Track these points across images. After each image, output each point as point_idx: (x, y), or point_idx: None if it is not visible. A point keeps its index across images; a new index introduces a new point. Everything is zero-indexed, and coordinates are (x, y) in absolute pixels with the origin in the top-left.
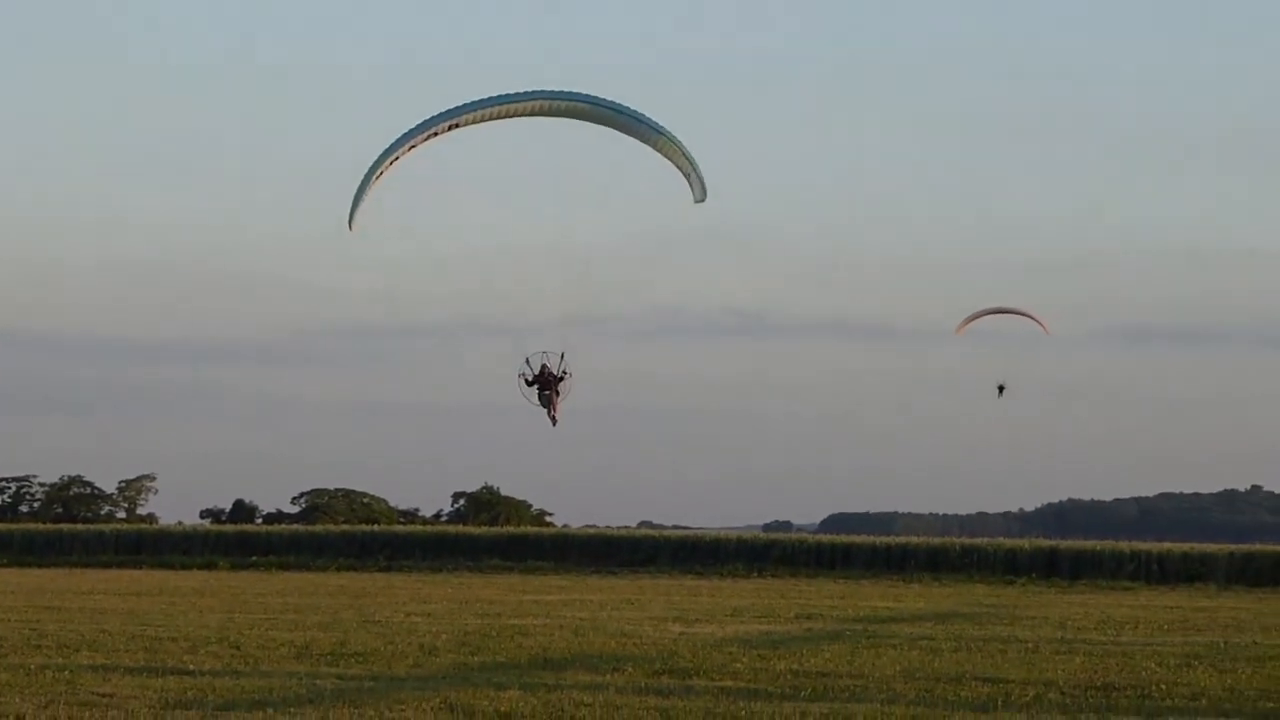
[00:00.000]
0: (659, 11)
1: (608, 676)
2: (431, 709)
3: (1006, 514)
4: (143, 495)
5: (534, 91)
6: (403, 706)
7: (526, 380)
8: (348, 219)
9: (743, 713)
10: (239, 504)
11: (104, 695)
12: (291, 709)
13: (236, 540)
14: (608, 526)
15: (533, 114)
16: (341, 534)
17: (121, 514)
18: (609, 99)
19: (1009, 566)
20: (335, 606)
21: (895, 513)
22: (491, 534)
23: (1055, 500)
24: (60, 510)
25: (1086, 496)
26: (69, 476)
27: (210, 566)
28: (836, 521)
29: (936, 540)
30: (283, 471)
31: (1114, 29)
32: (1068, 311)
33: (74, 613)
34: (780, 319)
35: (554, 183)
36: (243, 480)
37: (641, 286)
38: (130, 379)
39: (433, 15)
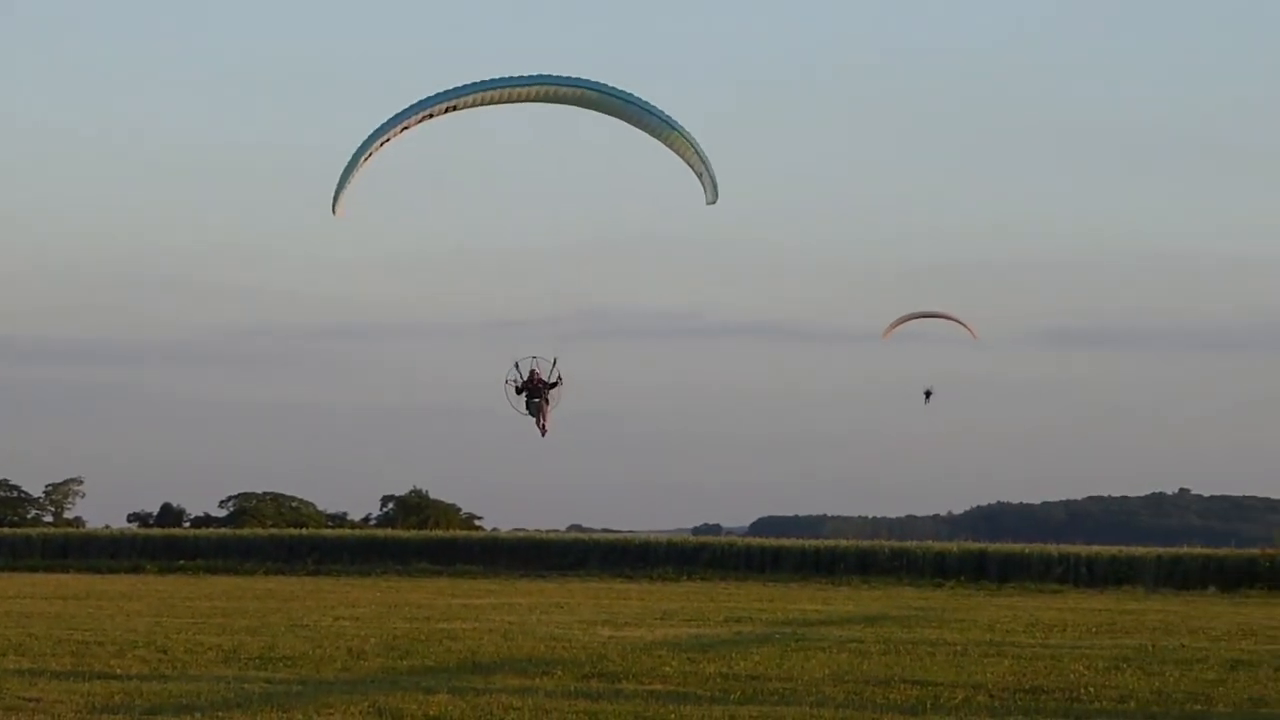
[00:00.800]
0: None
1: (537, 680)
2: (360, 713)
3: (935, 517)
4: (69, 499)
5: (539, 76)
6: (331, 710)
7: (515, 387)
8: (332, 202)
9: (672, 716)
10: (166, 508)
11: (30, 700)
12: (219, 713)
13: (164, 544)
14: (537, 530)
15: (536, 99)
16: (269, 538)
17: (48, 518)
18: (620, 88)
19: (938, 569)
20: (263, 610)
21: (824, 516)
22: (420, 538)
23: (984, 503)
24: None
25: (1015, 500)
26: None
27: (137, 570)
28: (766, 524)
29: (865, 543)
30: (210, 475)
31: (1044, 34)
32: (997, 315)
33: (0, 618)
34: (710, 322)
35: (482, 184)
36: (170, 484)
37: (572, 288)
38: (57, 381)
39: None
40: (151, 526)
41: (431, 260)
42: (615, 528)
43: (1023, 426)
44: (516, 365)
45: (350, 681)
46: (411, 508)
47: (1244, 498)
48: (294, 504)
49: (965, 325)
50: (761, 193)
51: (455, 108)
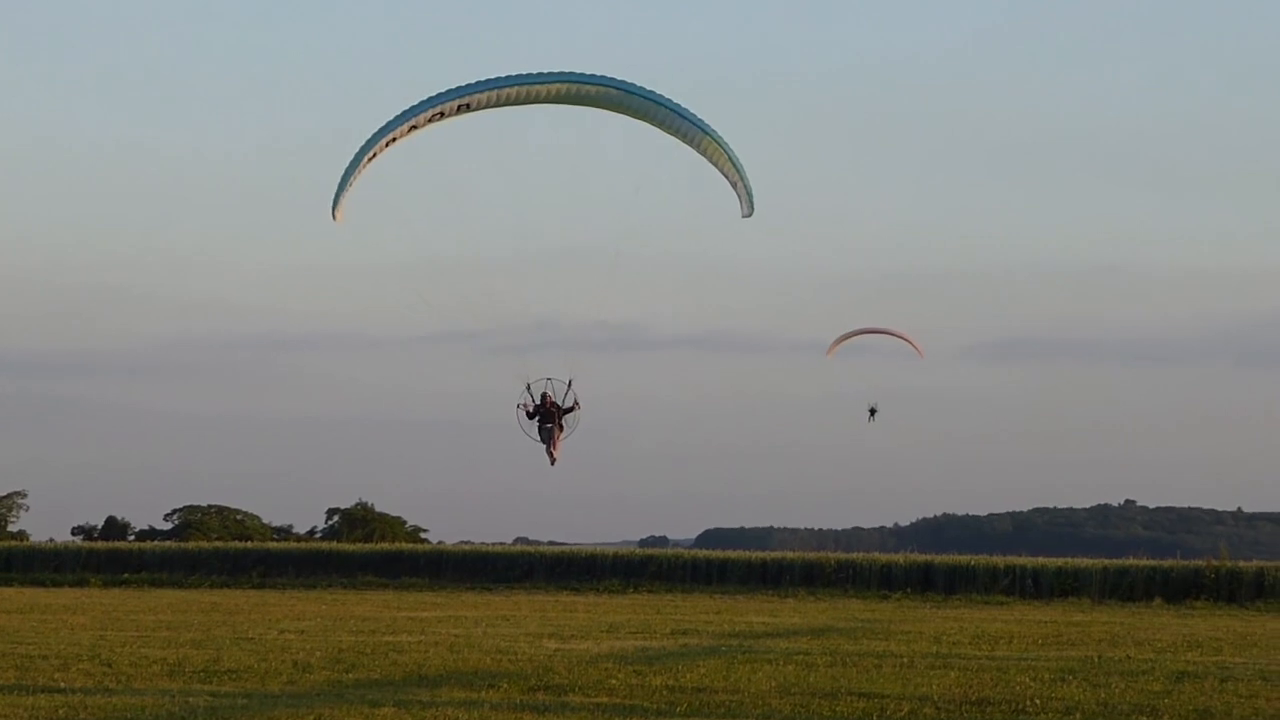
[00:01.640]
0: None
1: (483, 693)
2: None
3: (882, 529)
4: (13, 512)
5: (560, 74)
6: None
7: (526, 411)
8: (331, 206)
9: None
10: (111, 521)
11: None
12: None
13: (108, 557)
14: (483, 543)
15: (555, 99)
16: (214, 551)
17: None
18: (648, 88)
19: (884, 582)
20: (208, 624)
21: (771, 528)
22: (366, 550)
23: (930, 515)
24: None
25: (961, 512)
26: None
27: (82, 584)
28: (712, 537)
29: (812, 555)
30: (155, 488)
31: (982, 53)
32: (944, 328)
33: None
34: (658, 335)
35: (423, 195)
36: (115, 497)
37: (513, 299)
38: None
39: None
40: (96, 540)
41: (378, 272)
42: (561, 540)
43: (968, 439)
44: (528, 388)
45: (296, 695)
46: (357, 520)
47: (1189, 509)
48: (239, 517)
49: (911, 342)
50: (707, 207)
51: (469, 106)
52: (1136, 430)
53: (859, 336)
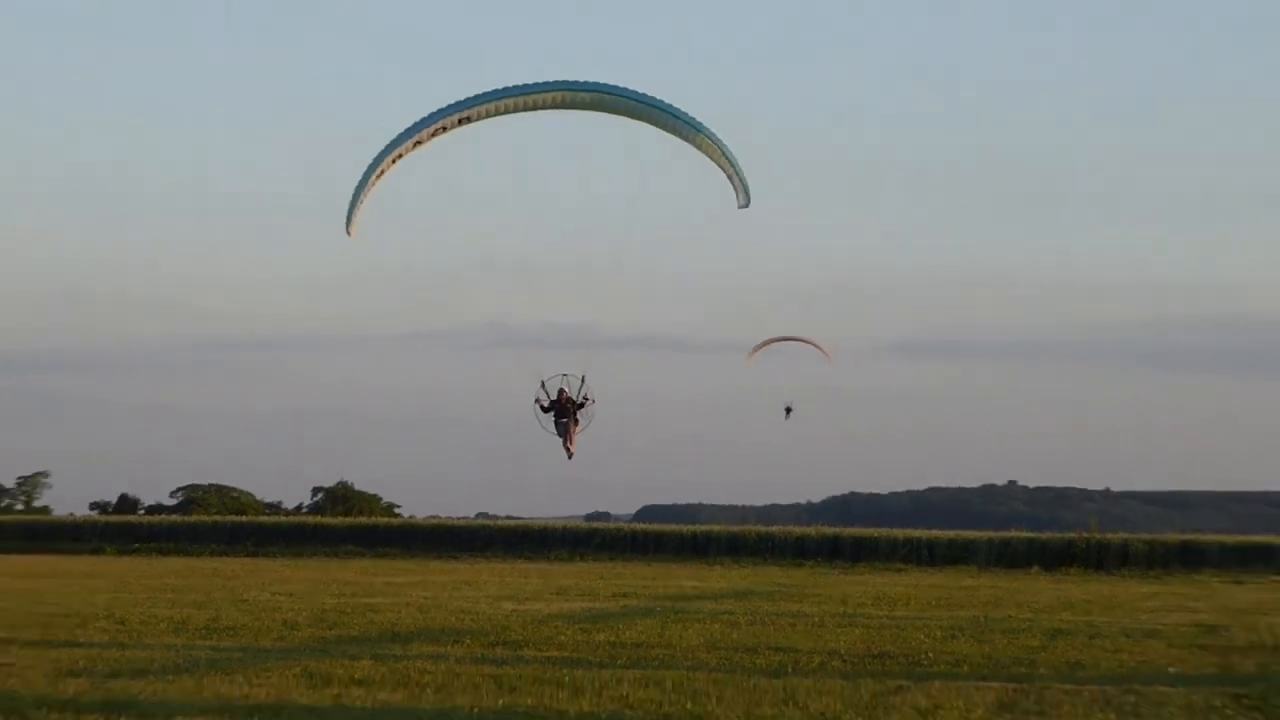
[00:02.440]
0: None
1: (449, 648)
2: (293, 677)
3: (796, 505)
4: (38, 490)
5: (555, 82)
6: (268, 674)
7: (542, 406)
8: (345, 222)
9: (566, 679)
10: (124, 497)
11: (5, 665)
12: (169, 677)
13: (121, 529)
14: (449, 517)
15: (553, 106)
16: (214, 524)
17: (20, 506)
18: (639, 91)
19: (798, 551)
20: (209, 587)
21: (700, 504)
22: (346, 524)
23: (838, 493)
24: None
25: (865, 490)
26: None
27: (98, 552)
28: (649, 512)
29: (735, 528)
30: (162, 468)
31: (898, 75)
32: (851, 329)
33: None
34: (603, 334)
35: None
36: (127, 476)
37: (467, 303)
38: (24, 387)
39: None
40: (110, 514)
41: (355, 279)
42: (517, 515)
43: (872, 427)
44: (543, 384)
45: (285, 649)
46: (338, 497)
47: (1064, 488)
48: (235, 494)
49: (820, 348)
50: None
51: (469, 119)
52: (1019, 419)
53: (774, 345)
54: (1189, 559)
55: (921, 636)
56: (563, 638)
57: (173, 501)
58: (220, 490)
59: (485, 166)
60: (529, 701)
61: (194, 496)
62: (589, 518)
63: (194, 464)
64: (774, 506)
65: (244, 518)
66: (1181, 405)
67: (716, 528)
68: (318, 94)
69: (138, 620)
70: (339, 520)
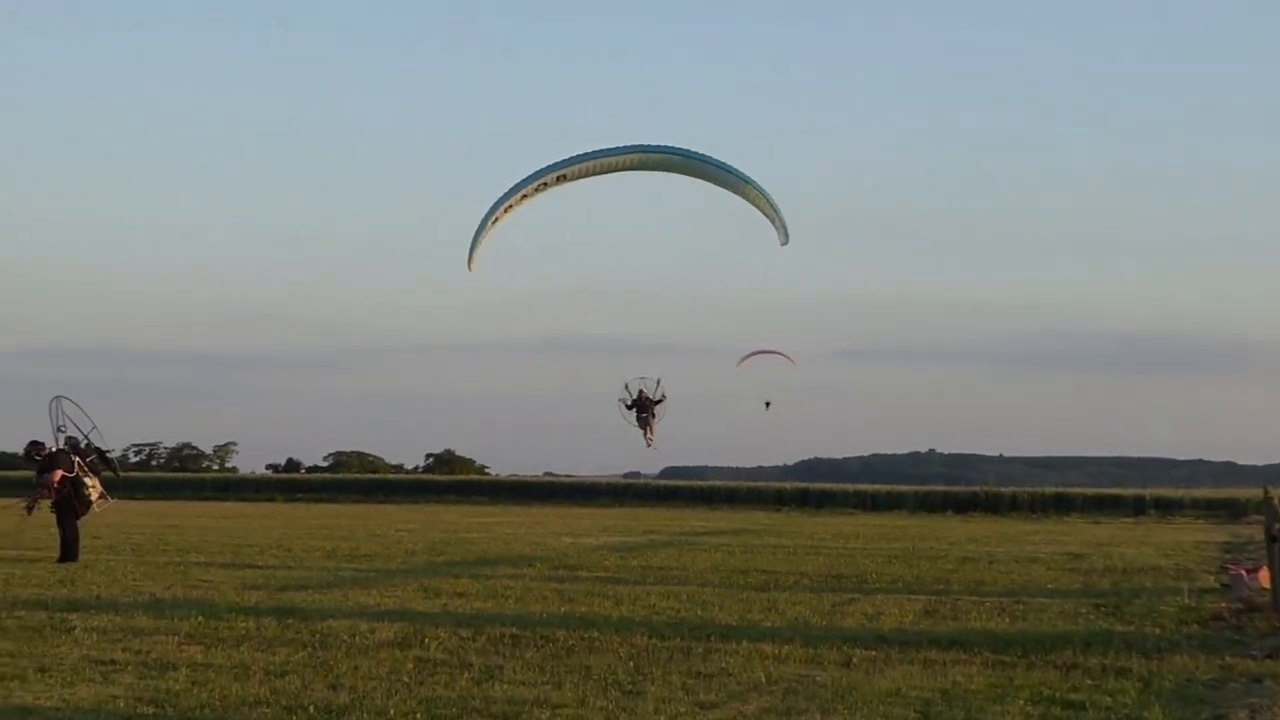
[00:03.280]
0: None
1: (524, 570)
2: (412, 590)
3: (777, 466)
4: (229, 454)
5: (632, 146)
6: (394, 588)
7: (625, 405)
8: (467, 259)
9: (610, 592)
10: (290, 460)
11: (205, 581)
12: (323, 590)
13: (288, 484)
14: (524, 475)
15: (630, 168)
16: (355, 480)
17: (216, 466)
18: (699, 152)
19: (778, 500)
20: (351, 526)
21: (707, 466)
22: (450, 480)
23: (807, 458)
24: (177, 464)
25: (826, 455)
26: (182, 442)
27: (272, 501)
28: (671, 472)
29: (734, 484)
30: (319, 438)
31: (856, 106)
32: (815, 338)
33: (186, 530)
34: (642, 344)
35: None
36: (292, 444)
37: (536, 317)
38: (222, 378)
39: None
40: (281, 472)
41: (460, 300)
42: (573, 474)
43: (830, 410)
44: (626, 385)
45: (406, 570)
46: (444, 461)
47: (970, 454)
48: (370, 458)
49: (787, 356)
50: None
51: (565, 177)
52: (937, 404)
53: (756, 356)
54: (1060, 506)
55: (867, 562)
56: (607, 563)
57: (325, 463)
58: (360, 455)
59: (555, 218)
60: (583, 609)
61: (341, 459)
62: (626, 475)
63: (340, 434)
64: (759, 468)
65: (376, 475)
66: (1052, 394)
67: (718, 483)
68: (439, 154)
69: (300, 549)
70: (445, 477)
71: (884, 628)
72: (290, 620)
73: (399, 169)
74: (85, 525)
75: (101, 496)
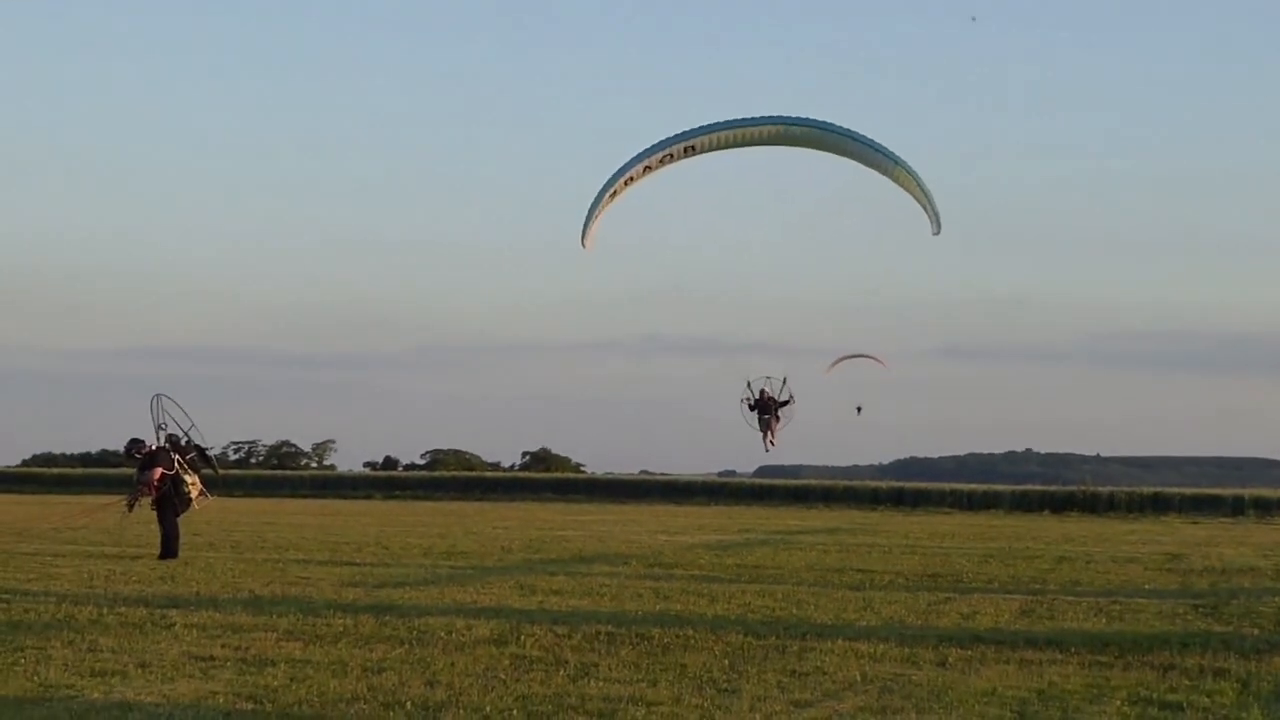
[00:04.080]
0: None
1: (620, 567)
2: (508, 587)
3: (872, 465)
4: (327, 452)
5: (772, 117)
6: (490, 586)
7: (748, 405)
8: (581, 235)
9: (705, 591)
10: (388, 458)
11: (303, 578)
12: (420, 587)
13: (386, 481)
14: (620, 473)
15: (768, 141)
16: (452, 477)
17: (314, 464)
18: (845, 126)
19: (873, 499)
20: (448, 523)
21: (802, 465)
22: (546, 478)
23: (903, 457)
24: (275, 462)
25: (922, 455)
26: (281, 440)
27: (369, 498)
28: (766, 470)
29: (828, 482)
30: (416, 436)
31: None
32: (906, 337)
33: (284, 527)
34: (738, 341)
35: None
36: (390, 441)
37: (633, 318)
38: (323, 379)
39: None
40: (378, 470)
41: (546, 301)
42: (669, 472)
43: (927, 411)
44: (749, 384)
45: (502, 568)
46: (540, 459)
47: (1067, 454)
48: (468, 456)
49: (878, 359)
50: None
51: (694, 149)
52: (1034, 404)
53: (846, 360)
54: (1158, 506)
55: (963, 562)
56: (702, 561)
57: (422, 461)
58: (457, 453)
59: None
60: (678, 607)
61: (438, 457)
62: (721, 474)
63: (438, 432)
64: (855, 466)
65: (473, 473)
66: (1150, 393)
67: (813, 482)
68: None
69: (397, 546)
70: (541, 475)
71: (980, 627)
72: (387, 617)
73: (506, 173)
74: (185, 522)
75: (201, 494)
